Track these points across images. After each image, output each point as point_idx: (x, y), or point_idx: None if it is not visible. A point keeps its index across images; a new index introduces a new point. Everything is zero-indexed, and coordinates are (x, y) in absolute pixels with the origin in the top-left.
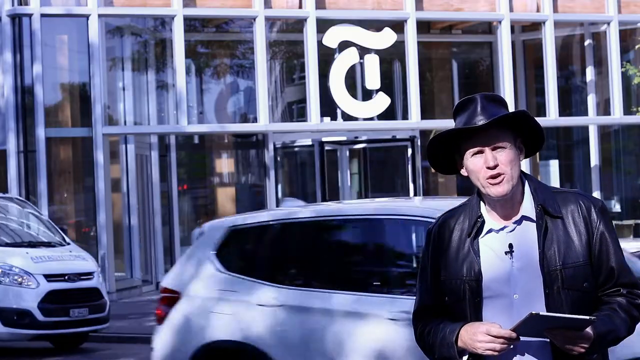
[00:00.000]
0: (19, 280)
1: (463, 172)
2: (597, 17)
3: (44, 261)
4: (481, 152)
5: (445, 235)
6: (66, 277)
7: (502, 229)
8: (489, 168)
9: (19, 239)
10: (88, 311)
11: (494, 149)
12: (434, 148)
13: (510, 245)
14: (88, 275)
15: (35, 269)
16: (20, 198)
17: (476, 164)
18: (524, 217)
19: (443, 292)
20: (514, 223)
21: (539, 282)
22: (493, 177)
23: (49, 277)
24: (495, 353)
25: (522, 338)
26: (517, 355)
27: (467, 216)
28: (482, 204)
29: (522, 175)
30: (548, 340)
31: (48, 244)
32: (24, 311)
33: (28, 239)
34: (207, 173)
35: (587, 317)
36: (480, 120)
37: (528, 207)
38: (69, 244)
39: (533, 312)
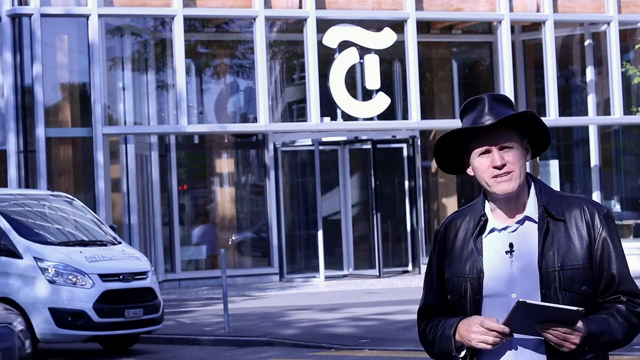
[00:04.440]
0: (73, 280)
1: (469, 171)
2: (597, 17)
3: (98, 260)
4: (488, 151)
5: (451, 235)
6: (121, 277)
7: (504, 228)
8: (495, 167)
9: (72, 237)
10: (143, 312)
11: (501, 149)
12: (441, 147)
13: (511, 245)
14: (142, 275)
15: (90, 268)
16: (69, 196)
17: (483, 163)
18: (527, 218)
19: (446, 290)
20: (517, 223)
21: (538, 283)
22: (500, 174)
23: (104, 277)
24: (489, 346)
25: (516, 336)
26: (512, 350)
27: (472, 216)
28: (487, 203)
29: (528, 177)
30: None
31: (101, 243)
32: (78, 312)
33: (81, 237)
34: (207, 173)
35: (576, 308)
36: (488, 120)
37: (531, 208)
38: (120, 242)
39: (520, 300)
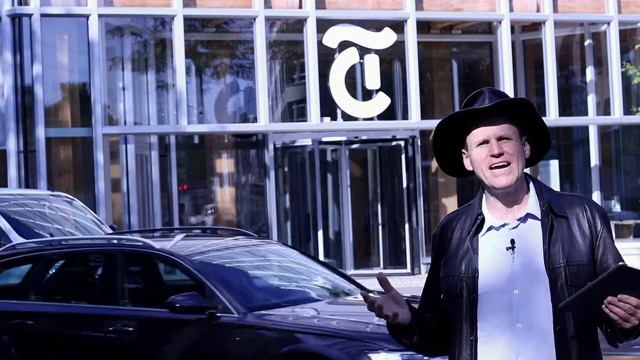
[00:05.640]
0: None
1: (467, 165)
2: (597, 17)
3: None
4: (486, 142)
5: (447, 236)
6: None
7: (502, 226)
8: (493, 156)
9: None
10: None
11: (499, 140)
12: (441, 134)
13: (512, 241)
14: None
15: None
16: (69, 196)
17: (480, 153)
18: (529, 215)
19: (440, 290)
20: (518, 220)
21: (540, 279)
22: (498, 166)
23: None
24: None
25: (525, 339)
26: (519, 358)
27: (469, 215)
28: (484, 202)
29: (527, 177)
30: (552, 339)
31: None
32: None
33: None
34: (207, 173)
35: None
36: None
37: (533, 205)
38: None
39: (621, 264)
